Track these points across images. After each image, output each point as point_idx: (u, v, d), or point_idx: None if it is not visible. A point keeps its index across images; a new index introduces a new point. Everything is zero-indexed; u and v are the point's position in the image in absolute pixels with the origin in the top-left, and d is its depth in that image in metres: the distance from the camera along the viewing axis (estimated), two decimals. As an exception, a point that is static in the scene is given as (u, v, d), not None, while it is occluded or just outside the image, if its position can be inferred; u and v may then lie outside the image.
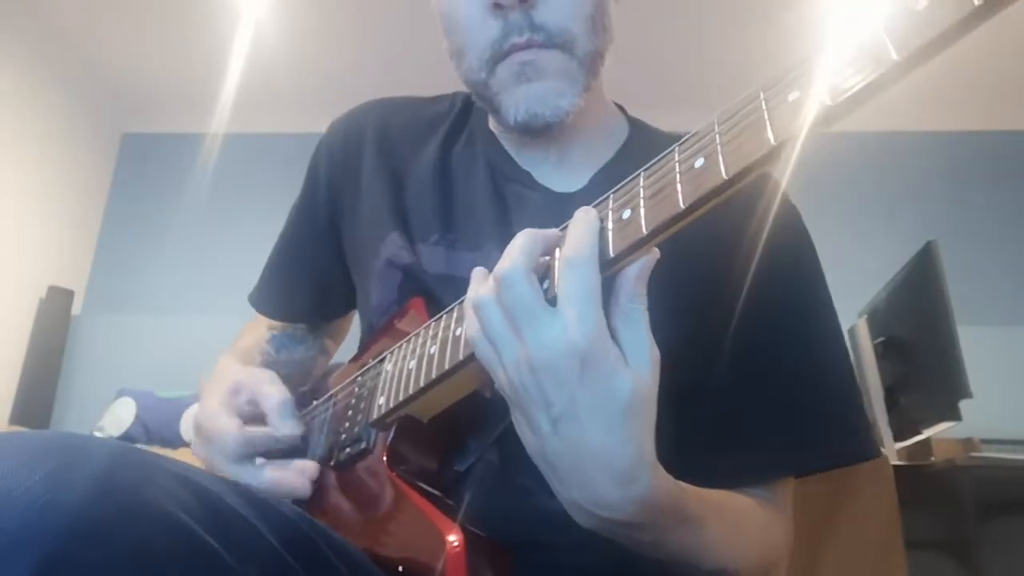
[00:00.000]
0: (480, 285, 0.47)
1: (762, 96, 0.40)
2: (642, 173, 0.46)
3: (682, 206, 0.41)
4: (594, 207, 0.47)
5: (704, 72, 3.28)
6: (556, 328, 0.42)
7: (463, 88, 0.75)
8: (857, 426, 0.68)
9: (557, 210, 0.72)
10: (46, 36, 3.28)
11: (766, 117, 0.39)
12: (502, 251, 0.69)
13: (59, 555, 0.32)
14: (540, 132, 0.70)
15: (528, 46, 0.66)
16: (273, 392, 0.68)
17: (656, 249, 0.44)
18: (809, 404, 0.67)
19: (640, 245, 0.43)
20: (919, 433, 1.82)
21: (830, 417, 0.67)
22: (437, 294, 0.70)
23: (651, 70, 3.13)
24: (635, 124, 0.81)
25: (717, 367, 0.64)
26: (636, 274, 0.44)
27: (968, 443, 2.22)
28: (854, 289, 2.47)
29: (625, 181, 0.47)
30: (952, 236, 2.44)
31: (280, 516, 0.46)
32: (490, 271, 0.70)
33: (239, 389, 0.68)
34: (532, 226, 0.71)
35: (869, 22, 0.36)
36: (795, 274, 0.70)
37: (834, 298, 0.72)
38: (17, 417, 3.07)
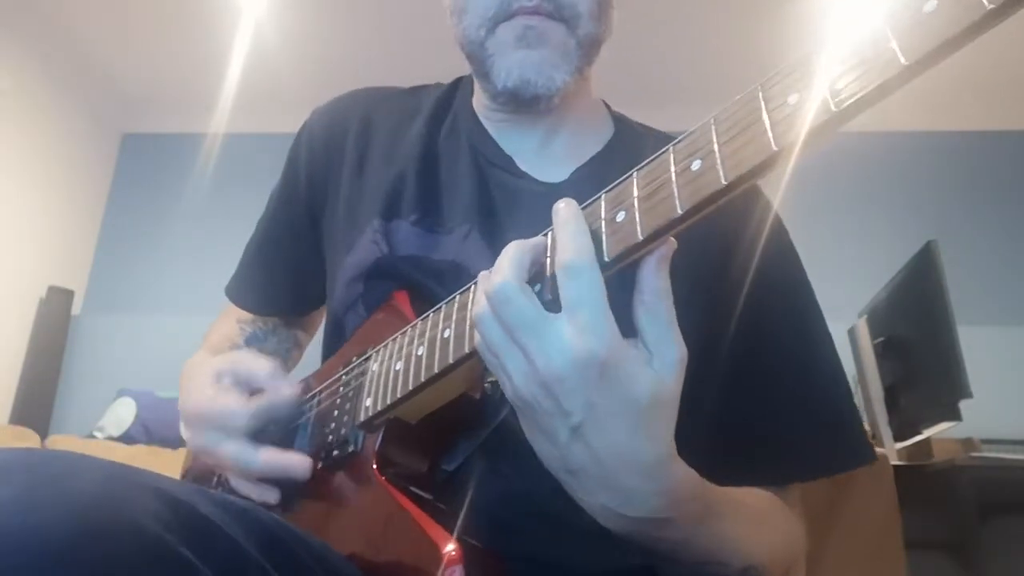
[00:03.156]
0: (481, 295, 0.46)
1: (761, 98, 0.38)
2: (635, 173, 0.44)
3: (679, 211, 0.39)
4: (585, 207, 0.45)
5: (702, 68, 3.28)
6: (563, 338, 0.41)
7: None
8: (853, 432, 0.68)
9: (542, 199, 0.71)
10: (46, 36, 3.28)
11: (766, 121, 0.37)
12: (484, 235, 0.69)
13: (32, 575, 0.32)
14: (526, 105, 0.70)
15: (535, 12, 0.66)
16: (259, 363, 0.67)
17: (672, 239, 0.42)
18: (805, 413, 0.67)
19: (636, 250, 0.42)
20: (919, 433, 1.81)
21: (827, 425, 0.67)
22: (407, 277, 0.69)
23: (649, 67, 3.13)
24: (620, 121, 0.80)
25: (712, 379, 0.64)
26: (655, 266, 0.42)
27: (968, 443, 2.22)
28: (854, 289, 2.48)
29: (617, 181, 0.45)
30: (952, 236, 2.44)
31: (257, 523, 0.46)
32: (468, 255, 0.69)
33: (221, 374, 0.67)
34: (516, 212, 0.70)
35: (872, 24, 0.34)
36: (785, 286, 0.70)
37: (834, 298, 0.71)
38: (17, 417, 3.07)
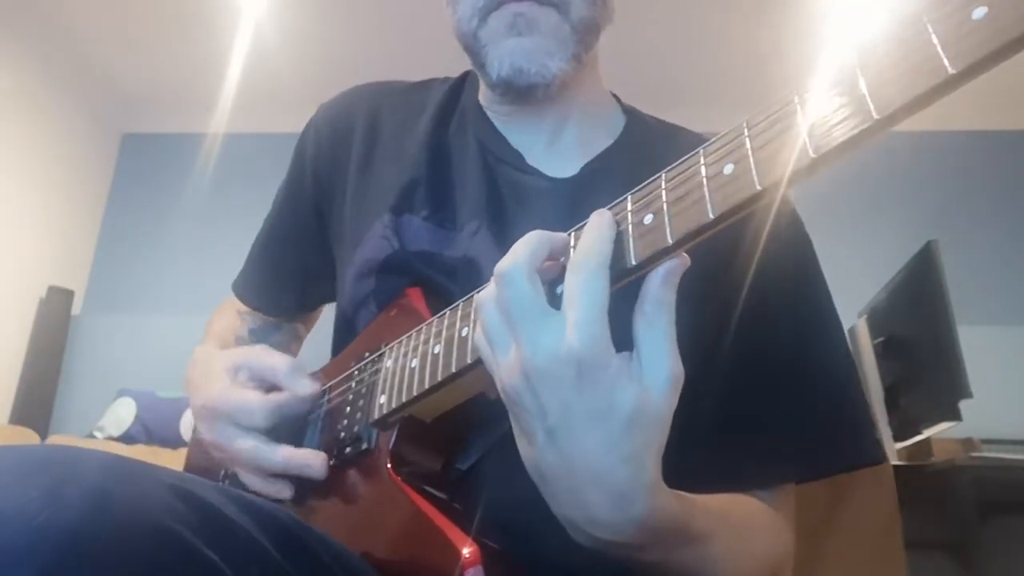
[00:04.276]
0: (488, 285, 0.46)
1: (797, 102, 0.37)
2: (663, 175, 0.43)
3: (711, 216, 0.39)
4: (611, 208, 0.44)
5: (702, 69, 3.28)
6: (554, 331, 0.40)
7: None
8: (860, 431, 0.66)
9: (551, 195, 0.70)
10: (46, 36, 3.28)
11: (802, 127, 0.36)
12: (493, 232, 0.68)
13: (56, 574, 0.32)
14: (524, 94, 0.69)
15: None
16: (277, 359, 0.66)
17: (687, 256, 0.42)
18: (811, 409, 0.65)
19: (664, 254, 0.41)
20: (919, 433, 1.82)
21: (833, 422, 0.65)
22: (420, 273, 0.68)
23: (649, 68, 3.13)
24: (631, 114, 0.79)
25: (718, 369, 0.62)
26: (662, 278, 0.41)
27: (968, 443, 2.22)
28: (854, 289, 2.47)
29: (646, 183, 0.44)
30: (952, 236, 2.44)
31: (276, 522, 0.45)
32: (478, 252, 0.68)
33: (238, 368, 0.66)
34: (525, 208, 0.69)
35: (915, 30, 0.33)
36: (796, 276, 0.68)
37: (834, 298, 0.71)
38: (17, 417, 3.07)
